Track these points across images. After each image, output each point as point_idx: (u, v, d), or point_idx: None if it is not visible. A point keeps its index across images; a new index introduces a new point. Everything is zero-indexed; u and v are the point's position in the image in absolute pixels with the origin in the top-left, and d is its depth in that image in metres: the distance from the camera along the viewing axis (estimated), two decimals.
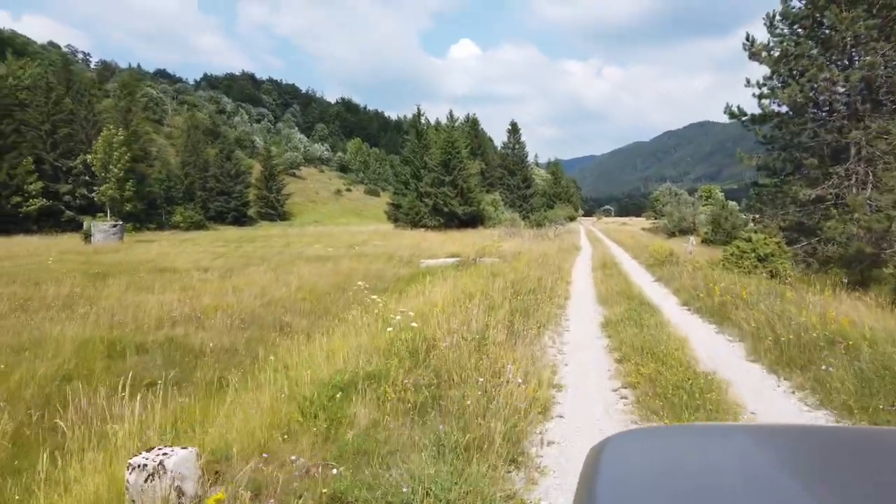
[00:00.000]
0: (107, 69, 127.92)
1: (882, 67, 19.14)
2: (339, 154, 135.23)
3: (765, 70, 23.07)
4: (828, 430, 1.97)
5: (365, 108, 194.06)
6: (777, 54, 22.09)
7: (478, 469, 3.65)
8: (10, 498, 4.17)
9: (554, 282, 13.70)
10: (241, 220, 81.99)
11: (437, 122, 66.89)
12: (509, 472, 4.02)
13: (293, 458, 3.69)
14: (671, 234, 53.07)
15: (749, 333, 8.15)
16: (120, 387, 5.48)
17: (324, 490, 3.37)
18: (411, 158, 60.15)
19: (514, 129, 78.41)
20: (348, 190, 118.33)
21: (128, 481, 3.25)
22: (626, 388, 6.05)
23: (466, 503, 3.33)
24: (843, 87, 20.47)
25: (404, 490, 3.33)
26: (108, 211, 43.29)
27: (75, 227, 48.60)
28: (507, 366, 5.56)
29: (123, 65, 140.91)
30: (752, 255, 16.89)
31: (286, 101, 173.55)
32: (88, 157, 44.26)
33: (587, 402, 5.61)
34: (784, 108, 22.72)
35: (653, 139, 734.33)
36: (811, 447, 1.24)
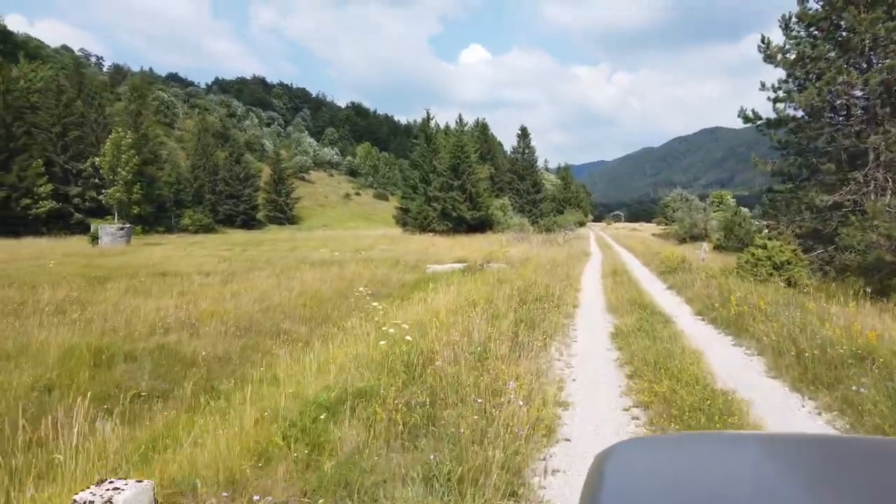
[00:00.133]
0: (119, 73, 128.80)
1: None
2: (349, 158, 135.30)
3: (780, 73, 22.59)
4: (836, 439, 1.94)
5: (375, 112, 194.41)
6: (793, 57, 21.58)
7: None
8: None
9: (562, 289, 13.25)
10: (249, 223, 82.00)
11: (447, 127, 66.58)
12: None
13: (259, 497, 3.29)
14: (682, 241, 52.39)
15: (768, 347, 7.68)
16: (95, 399, 5.06)
17: None
18: (420, 162, 59.81)
19: (523, 134, 77.92)
20: (357, 194, 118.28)
21: None
22: (637, 407, 5.61)
23: None
24: (862, 90, 19.92)
25: None
26: (116, 214, 43.22)
27: (84, 229, 48.59)
28: (508, 383, 5.14)
29: (136, 69, 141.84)
30: (768, 262, 16.37)
31: (296, 105, 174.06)
32: (97, 159, 44.19)
33: (596, 424, 5.18)
34: (800, 113, 22.20)
35: (663, 144, 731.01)
36: (819, 456, 1.22)
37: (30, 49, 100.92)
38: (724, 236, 42.47)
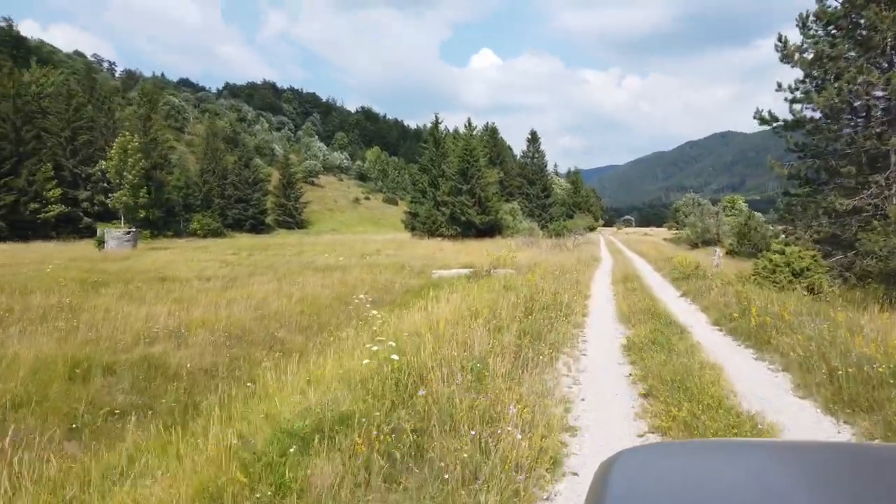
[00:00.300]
0: (131, 78, 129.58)
1: None
2: (358, 162, 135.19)
3: (797, 73, 21.90)
4: (846, 446, 1.90)
5: (384, 116, 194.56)
6: (811, 56, 20.90)
7: None
8: None
9: (571, 297, 12.66)
10: (258, 227, 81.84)
11: (456, 131, 66.15)
12: None
13: None
14: (694, 246, 51.63)
15: (795, 363, 7.07)
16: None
17: None
18: (429, 167, 59.37)
19: (533, 138, 77.37)
20: (367, 198, 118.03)
21: None
22: (654, 432, 5.03)
23: None
24: (883, 90, 19.20)
25: None
26: (122, 218, 43.04)
27: (92, 233, 48.53)
28: (509, 407, 4.59)
29: (148, 74, 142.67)
30: (787, 269, 15.71)
31: (306, 109, 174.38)
32: (104, 163, 44.08)
33: (608, 454, 4.59)
34: (818, 114, 21.52)
35: (674, 149, 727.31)
36: (828, 464, 1.21)
37: (42, 54, 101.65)
38: (737, 241, 41.67)
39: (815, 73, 21.20)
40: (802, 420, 5.49)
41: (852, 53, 20.08)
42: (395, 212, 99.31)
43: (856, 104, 20.60)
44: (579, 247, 38.36)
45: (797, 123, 21.96)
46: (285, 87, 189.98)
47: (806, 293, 13.82)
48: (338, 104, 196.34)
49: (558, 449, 4.48)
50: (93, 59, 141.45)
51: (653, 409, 5.56)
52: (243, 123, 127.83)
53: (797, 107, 21.91)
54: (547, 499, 3.77)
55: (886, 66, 19.57)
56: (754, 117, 22.22)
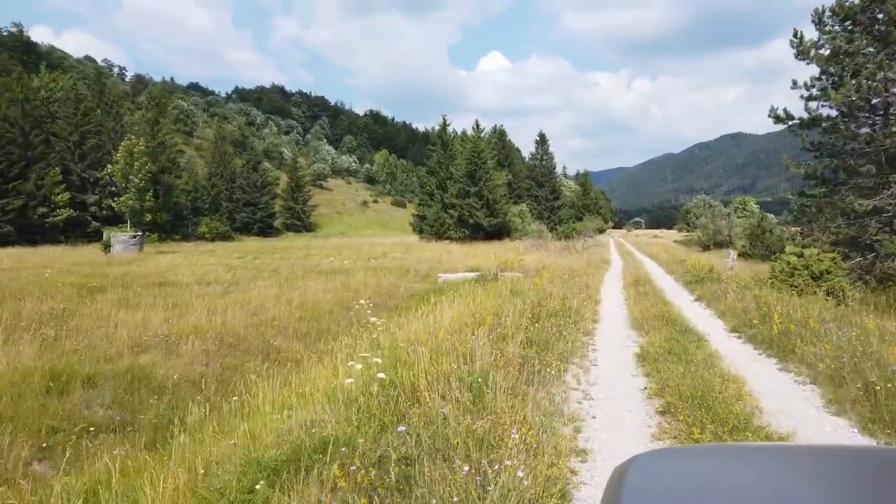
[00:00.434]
0: (141, 82, 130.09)
1: None
2: (367, 166, 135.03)
3: (812, 71, 21.37)
4: (865, 450, 1.79)
5: (393, 120, 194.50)
6: (827, 53, 20.31)
7: None
8: None
9: (581, 302, 12.13)
10: (266, 231, 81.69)
11: (464, 133, 65.67)
12: None
13: None
14: (705, 248, 50.93)
15: (824, 375, 6.53)
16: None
17: None
18: (437, 169, 58.95)
19: (542, 140, 76.87)
20: (375, 201, 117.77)
21: None
22: None
23: None
24: None
25: None
26: (129, 221, 42.86)
27: (100, 237, 48.42)
28: (511, 431, 4.09)
29: (158, 79, 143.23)
30: (805, 271, 15.09)
31: (315, 113, 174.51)
32: (110, 167, 43.95)
33: None
34: (834, 112, 20.92)
35: (683, 151, 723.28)
36: (847, 469, 1.17)
37: (53, 60, 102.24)
38: (750, 244, 40.93)
39: (831, 69, 20.64)
40: (839, 442, 4.96)
41: (871, 49, 19.49)
42: (404, 215, 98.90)
43: (874, 101, 20.00)
44: (589, 249, 37.75)
45: (813, 121, 21.36)
46: (294, 91, 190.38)
47: (825, 297, 13.21)
48: (346, 108, 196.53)
49: (567, 478, 3.98)
50: (103, 64, 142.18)
51: (672, 429, 5.04)
52: (252, 127, 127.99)
53: (813, 105, 21.32)
54: None
55: None
56: (769, 115, 21.63)
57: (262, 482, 3.25)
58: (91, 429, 6.10)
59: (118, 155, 42.22)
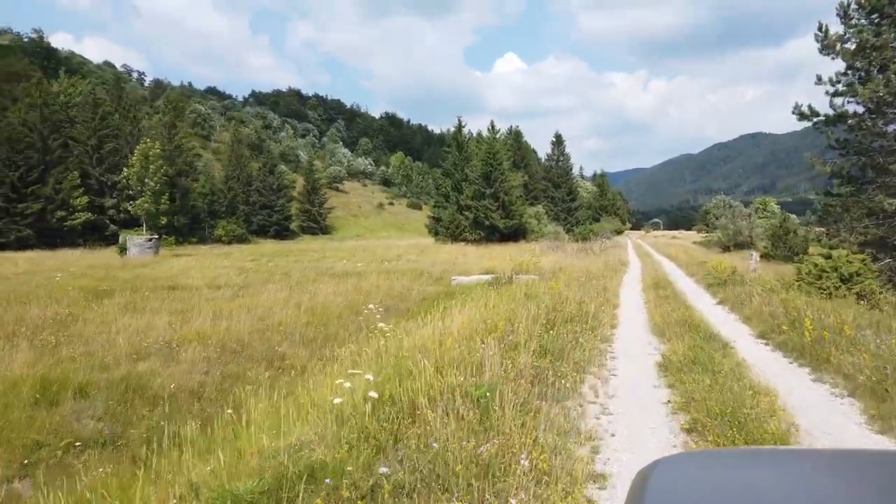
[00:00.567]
0: (159, 87, 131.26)
1: None
2: (383, 168, 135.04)
3: (838, 66, 20.66)
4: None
5: (408, 122, 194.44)
6: (853, 47, 19.61)
7: None
8: None
9: (598, 306, 11.63)
10: (283, 233, 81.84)
11: (479, 134, 65.19)
12: None
13: None
14: (726, 249, 49.98)
15: (864, 387, 6.02)
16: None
17: None
18: (452, 171, 58.55)
19: (558, 141, 76.18)
20: (391, 204, 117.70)
21: None
22: None
23: None
24: None
25: None
26: (144, 224, 42.99)
27: (118, 240, 48.71)
28: (521, 457, 3.66)
29: (176, 83, 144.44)
30: (834, 274, 14.46)
31: (331, 116, 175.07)
32: (126, 170, 44.13)
33: None
34: (861, 108, 20.20)
35: (702, 151, 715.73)
36: (876, 474, 1.13)
37: (72, 65, 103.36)
38: (772, 245, 39.97)
39: (857, 64, 19.94)
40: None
41: None
42: (420, 217, 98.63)
43: None
44: (606, 251, 37.11)
45: (839, 118, 20.67)
46: (310, 95, 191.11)
47: (858, 301, 12.59)
48: (362, 110, 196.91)
49: None
50: (122, 69, 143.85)
51: (700, 449, 4.58)
52: (269, 130, 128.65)
53: (839, 101, 20.63)
54: None
55: None
56: (793, 112, 20.97)
57: None
58: (77, 444, 5.77)
59: (133, 158, 42.39)
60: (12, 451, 5.54)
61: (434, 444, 3.73)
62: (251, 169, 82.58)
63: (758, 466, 1.18)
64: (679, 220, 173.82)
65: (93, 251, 44.36)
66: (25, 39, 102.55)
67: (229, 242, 66.08)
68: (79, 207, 54.67)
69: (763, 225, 51.31)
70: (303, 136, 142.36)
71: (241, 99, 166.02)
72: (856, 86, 19.46)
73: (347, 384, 4.32)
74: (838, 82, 20.47)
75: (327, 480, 3.14)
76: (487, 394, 4.85)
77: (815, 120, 20.88)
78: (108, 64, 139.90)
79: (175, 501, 3.21)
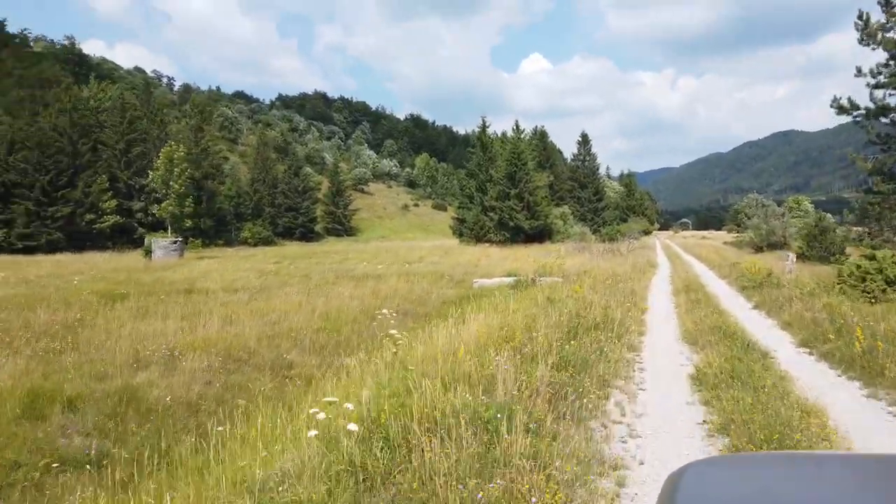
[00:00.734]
0: (188, 92, 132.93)
1: None
2: (407, 169, 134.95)
3: (879, 57, 19.65)
4: None
5: (433, 123, 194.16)
6: None
7: None
8: None
9: (625, 311, 10.97)
10: (308, 235, 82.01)
11: (503, 134, 64.46)
12: None
13: None
14: (758, 249, 48.55)
15: None
16: None
17: None
18: (476, 171, 57.93)
19: (584, 141, 75.13)
20: (415, 205, 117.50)
21: None
22: None
23: None
24: None
25: None
26: (169, 227, 43.23)
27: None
28: (531, 499, 3.10)
29: (204, 87, 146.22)
30: (879, 276, 13.56)
31: (356, 118, 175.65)
32: (151, 173, 44.49)
33: None
34: None
35: (732, 150, 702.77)
36: None
37: (103, 71, 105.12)
38: (807, 245, 38.57)
39: None
40: None
41: None
42: (444, 218, 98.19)
43: None
44: (634, 252, 36.17)
45: (881, 111, 19.68)
46: (336, 98, 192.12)
47: None
48: (387, 112, 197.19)
49: None
50: (152, 74, 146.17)
51: None
52: (295, 133, 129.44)
53: (879, 93, 19.64)
54: None
55: None
56: (831, 106, 20.01)
57: None
58: (59, 463, 5.35)
59: (158, 161, 42.67)
60: None
61: (432, 480, 3.19)
62: (277, 171, 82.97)
63: (794, 472, 1.14)
64: (708, 219, 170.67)
65: (120, 254, 44.78)
66: (58, 46, 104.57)
67: (255, 245, 66.40)
68: (107, 211, 55.32)
69: (797, 224, 49.78)
70: (328, 139, 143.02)
71: (268, 103, 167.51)
72: None
73: (321, 415, 3.78)
74: (879, 73, 19.49)
75: None
76: (498, 415, 4.30)
77: (854, 114, 19.92)
78: (138, 69, 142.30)
79: None
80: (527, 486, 3.29)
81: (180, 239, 39.89)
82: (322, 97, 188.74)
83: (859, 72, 19.67)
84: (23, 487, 5.03)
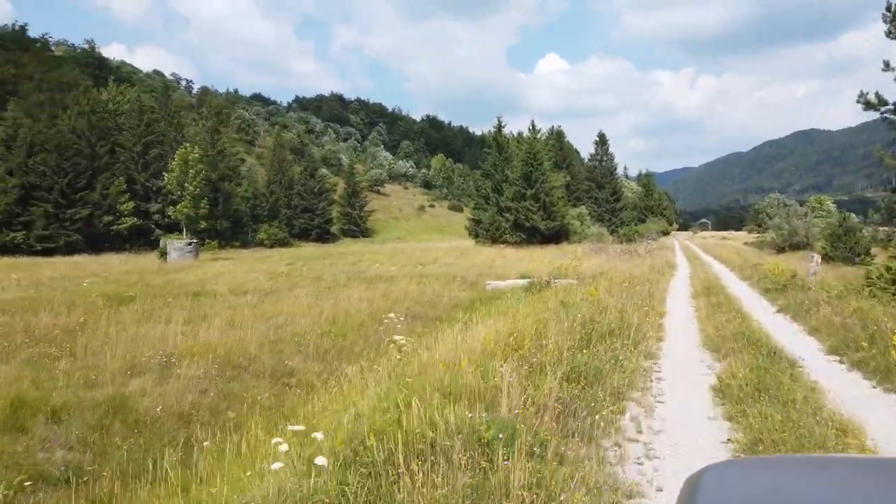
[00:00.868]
0: (206, 94, 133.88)
1: None
2: (423, 170, 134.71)
3: None
4: None
5: (449, 124, 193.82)
6: None
7: None
8: None
9: (642, 316, 10.48)
10: (324, 237, 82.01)
11: (519, 134, 63.90)
12: None
13: None
14: (780, 250, 47.57)
15: None
16: None
17: None
18: (492, 172, 57.45)
19: (601, 141, 74.27)
20: (431, 206, 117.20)
21: None
22: None
23: None
24: None
25: None
26: (185, 229, 43.32)
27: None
28: None
29: (222, 90, 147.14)
30: None
31: (373, 119, 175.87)
32: (166, 175, 44.62)
33: None
34: None
35: (752, 149, 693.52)
36: None
37: (122, 74, 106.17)
38: (830, 245, 37.61)
39: None
40: None
41: None
42: (460, 219, 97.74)
43: None
44: (652, 253, 35.48)
45: None
46: (352, 99, 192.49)
47: None
48: (403, 114, 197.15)
49: None
50: (171, 77, 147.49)
51: None
52: (311, 135, 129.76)
53: None
54: None
55: None
56: (857, 101, 19.28)
57: None
58: (35, 480, 5.04)
59: (173, 163, 42.79)
60: None
61: None
62: (293, 173, 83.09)
63: (813, 474, 1.12)
64: (728, 220, 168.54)
65: (137, 255, 44.93)
66: (78, 50, 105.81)
67: (271, 246, 66.51)
68: (125, 212, 55.68)
69: (820, 224, 48.72)
70: (345, 140, 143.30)
71: (285, 105, 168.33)
72: None
73: (284, 447, 3.37)
74: None
75: None
76: (500, 435, 3.89)
77: (882, 109, 19.18)
78: (157, 73, 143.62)
79: None
80: None
81: (195, 240, 39.95)
82: (339, 99, 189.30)
83: (887, 66, 18.93)
84: None
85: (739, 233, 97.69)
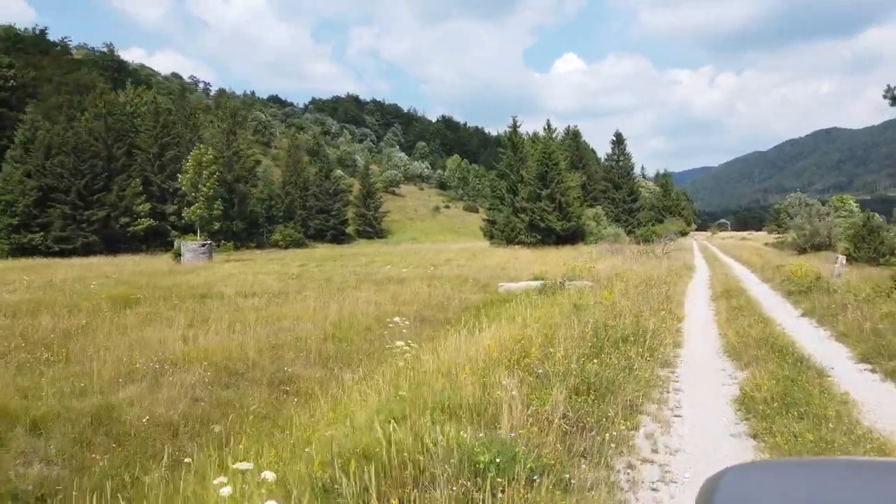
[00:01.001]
0: (223, 96, 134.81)
1: None
2: (439, 171, 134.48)
3: None
4: None
5: (465, 125, 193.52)
6: None
7: None
8: None
9: (659, 320, 9.99)
10: (339, 237, 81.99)
11: (535, 134, 63.28)
12: None
13: None
14: (802, 251, 46.54)
15: None
16: None
17: None
18: (507, 172, 56.91)
19: (618, 140, 73.44)
20: (447, 207, 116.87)
21: None
22: None
23: None
24: None
25: None
26: (199, 230, 43.34)
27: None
28: None
29: (240, 92, 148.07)
30: None
31: (388, 121, 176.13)
32: (180, 176, 44.68)
33: None
34: None
35: (772, 148, 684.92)
36: None
37: (141, 77, 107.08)
38: (854, 246, 36.66)
39: None
40: None
41: None
42: (475, 220, 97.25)
43: None
44: (669, 254, 34.77)
45: None
46: (368, 100, 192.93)
47: None
48: (419, 114, 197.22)
49: None
50: (189, 80, 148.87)
51: None
52: (327, 136, 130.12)
53: None
54: None
55: None
56: (884, 96, 18.57)
57: None
58: (4, 500, 4.72)
59: (187, 164, 42.83)
60: None
61: None
62: (308, 174, 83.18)
63: (836, 478, 1.04)
64: (748, 220, 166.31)
65: (152, 256, 45.04)
66: (97, 53, 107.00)
67: (286, 247, 66.58)
68: (141, 214, 55.98)
69: (842, 224, 47.63)
70: (360, 141, 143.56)
71: (301, 106, 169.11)
72: None
73: (227, 489, 2.96)
74: None
75: None
76: (498, 459, 3.48)
77: None
78: (175, 75, 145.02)
79: None
80: None
81: (209, 242, 39.91)
82: (354, 100, 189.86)
83: None
84: None
85: (759, 233, 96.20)
